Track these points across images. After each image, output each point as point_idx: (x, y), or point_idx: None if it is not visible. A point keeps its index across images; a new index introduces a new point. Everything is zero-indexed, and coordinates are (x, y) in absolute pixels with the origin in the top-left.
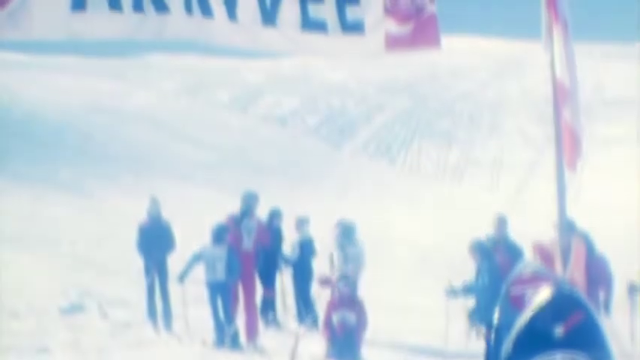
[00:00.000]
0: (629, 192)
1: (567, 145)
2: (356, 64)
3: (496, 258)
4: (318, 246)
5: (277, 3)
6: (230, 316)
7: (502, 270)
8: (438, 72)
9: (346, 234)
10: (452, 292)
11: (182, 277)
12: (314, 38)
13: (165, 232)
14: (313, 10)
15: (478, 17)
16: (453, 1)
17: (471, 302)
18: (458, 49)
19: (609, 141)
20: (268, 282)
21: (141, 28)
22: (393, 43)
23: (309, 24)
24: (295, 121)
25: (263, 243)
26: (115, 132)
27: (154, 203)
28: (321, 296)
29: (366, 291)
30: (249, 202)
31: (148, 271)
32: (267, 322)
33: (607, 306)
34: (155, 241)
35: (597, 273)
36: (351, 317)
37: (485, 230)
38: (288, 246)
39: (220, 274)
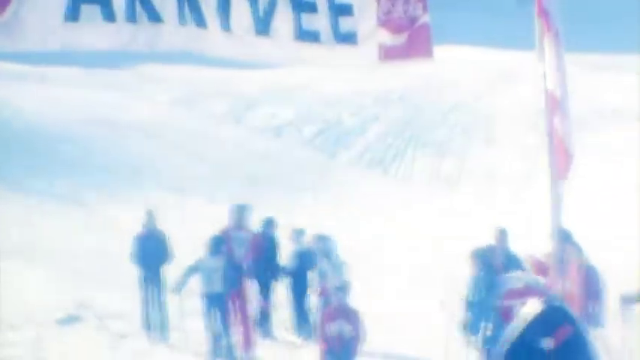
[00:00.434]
0: (622, 202)
1: (559, 156)
2: (351, 75)
3: (494, 269)
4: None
5: (271, 13)
6: (226, 328)
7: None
8: (432, 83)
9: (325, 248)
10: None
11: (178, 289)
12: (307, 48)
13: (162, 243)
14: (307, 21)
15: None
16: (446, 12)
17: (465, 314)
18: (451, 59)
19: (602, 151)
20: (265, 293)
21: (134, 38)
22: (387, 53)
23: (303, 34)
24: (290, 132)
25: (256, 255)
26: (111, 143)
27: (150, 215)
28: (317, 307)
29: (360, 301)
30: (240, 214)
31: (144, 282)
32: (263, 334)
33: (598, 317)
34: (151, 252)
35: (589, 284)
36: (348, 328)
37: (479, 240)
38: (285, 257)
39: (217, 285)
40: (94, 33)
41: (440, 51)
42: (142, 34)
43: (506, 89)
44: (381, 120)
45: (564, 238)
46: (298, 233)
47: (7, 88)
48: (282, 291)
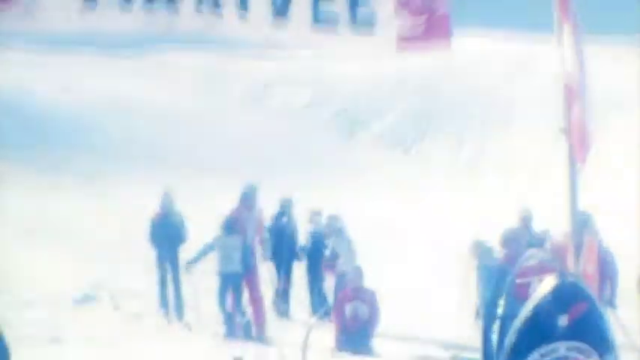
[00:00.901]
0: (638, 191)
1: (577, 140)
2: (369, 57)
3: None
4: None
5: None
6: (242, 307)
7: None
8: (451, 69)
9: (336, 228)
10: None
11: (191, 264)
12: (325, 35)
13: (178, 224)
14: (325, 6)
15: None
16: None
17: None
18: (470, 46)
19: (619, 142)
20: (283, 274)
21: (151, 23)
22: (405, 40)
23: (321, 19)
24: (308, 114)
25: (273, 235)
26: (128, 126)
27: (167, 196)
28: (331, 287)
29: (376, 282)
30: (249, 195)
31: (160, 262)
32: (279, 314)
33: (612, 300)
34: (168, 233)
35: (604, 267)
36: (364, 308)
37: (496, 223)
38: (302, 238)
39: (237, 264)
40: (111, 17)
41: (457, 38)
42: (159, 19)
43: (523, 77)
44: (400, 102)
45: (583, 221)
46: (315, 214)
47: (23, 73)
48: (299, 272)
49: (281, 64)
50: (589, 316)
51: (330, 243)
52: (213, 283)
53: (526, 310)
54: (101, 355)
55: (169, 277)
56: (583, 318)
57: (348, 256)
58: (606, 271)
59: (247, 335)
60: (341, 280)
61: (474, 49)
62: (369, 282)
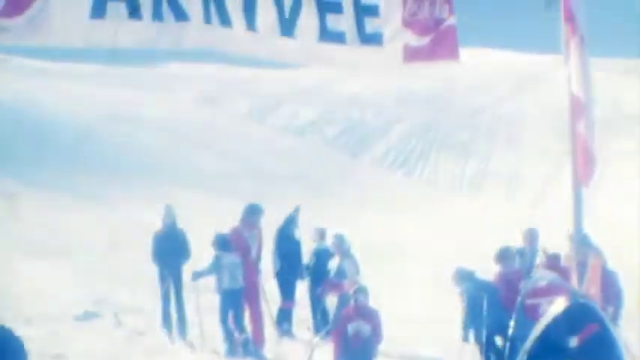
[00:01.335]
0: None
1: (581, 160)
2: (374, 76)
3: (477, 282)
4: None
5: (296, 13)
6: (242, 324)
7: None
8: (456, 85)
9: (342, 247)
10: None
11: (198, 277)
12: (332, 49)
13: (181, 240)
14: (332, 21)
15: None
16: (472, 14)
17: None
18: (476, 61)
19: (627, 156)
20: (287, 292)
21: (160, 36)
22: (412, 54)
23: (328, 35)
24: (313, 132)
25: (277, 252)
26: (132, 140)
27: (170, 212)
28: (334, 305)
29: (380, 302)
30: (253, 214)
31: (162, 279)
32: (281, 332)
33: (615, 320)
34: (170, 249)
35: (608, 287)
36: (367, 328)
37: (500, 242)
38: (306, 256)
39: (240, 281)
40: (119, 30)
41: (464, 53)
42: (168, 33)
43: (530, 92)
44: (405, 121)
45: (585, 241)
46: (319, 232)
47: (29, 84)
48: (302, 290)
49: (287, 81)
50: (600, 338)
51: (335, 262)
52: (215, 299)
53: (537, 331)
54: None
55: (172, 293)
56: (594, 339)
57: (354, 276)
58: (610, 292)
59: (246, 352)
60: (344, 299)
61: (480, 63)
62: (370, 302)
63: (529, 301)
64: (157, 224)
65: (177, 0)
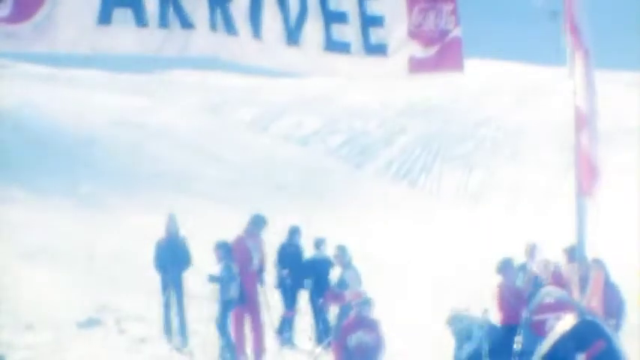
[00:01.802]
0: None
1: (584, 172)
2: (378, 86)
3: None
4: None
5: (301, 23)
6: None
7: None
8: (460, 96)
9: (344, 258)
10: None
11: (214, 281)
12: (337, 59)
13: (182, 249)
14: (337, 32)
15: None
16: (477, 25)
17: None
18: (481, 73)
19: (630, 169)
20: (289, 302)
21: (166, 43)
22: (417, 65)
23: (333, 45)
24: (316, 142)
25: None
26: (136, 147)
27: (172, 220)
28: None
29: (381, 313)
30: (258, 224)
31: (164, 287)
32: (282, 342)
33: (616, 333)
34: (172, 257)
35: (610, 300)
36: (368, 338)
37: (503, 254)
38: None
39: (235, 291)
40: (125, 37)
41: (469, 64)
42: (174, 40)
43: (534, 104)
44: (408, 132)
45: (572, 254)
46: (319, 242)
47: (33, 90)
48: (303, 300)
49: (291, 91)
50: (607, 355)
51: (337, 273)
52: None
53: (545, 347)
54: None
55: (173, 301)
56: (601, 356)
57: (356, 287)
58: (612, 304)
59: None
60: (345, 310)
61: (484, 75)
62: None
63: (536, 317)
64: (160, 231)
65: (183, 7)
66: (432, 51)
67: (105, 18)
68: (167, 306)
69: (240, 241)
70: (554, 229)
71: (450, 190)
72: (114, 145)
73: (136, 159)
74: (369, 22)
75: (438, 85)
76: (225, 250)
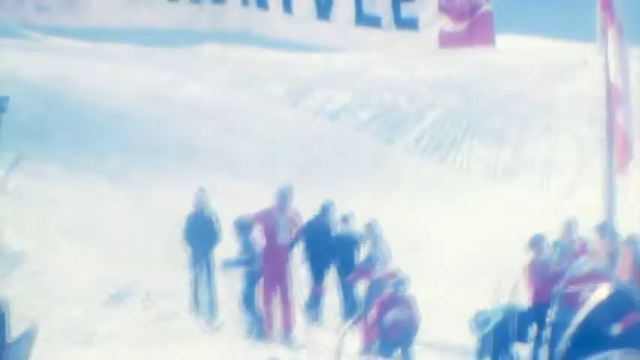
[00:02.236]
0: None
1: (619, 149)
2: (408, 61)
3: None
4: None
5: None
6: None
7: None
8: (490, 71)
9: (374, 234)
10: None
11: (228, 266)
12: (368, 33)
13: (212, 224)
14: (368, 6)
15: (533, 17)
16: (509, 1)
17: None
18: (511, 48)
19: None
20: (318, 278)
21: (196, 17)
22: (447, 40)
23: (364, 19)
24: (346, 116)
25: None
26: (166, 122)
27: (202, 195)
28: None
29: (413, 289)
30: (284, 198)
31: (194, 262)
32: (311, 318)
33: None
34: (202, 232)
35: (638, 276)
36: (403, 316)
37: (534, 230)
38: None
39: (258, 266)
40: (156, 11)
41: (500, 39)
42: (204, 13)
43: (565, 80)
44: (438, 107)
45: (603, 231)
46: (346, 217)
47: (64, 64)
48: (331, 276)
49: (321, 65)
50: None
51: (367, 249)
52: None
53: (579, 318)
54: (132, 355)
55: (202, 277)
56: (636, 326)
57: (385, 263)
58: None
59: (259, 336)
60: (375, 285)
61: (515, 50)
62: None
63: (570, 289)
64: (189, 207)
65: None
66: (463, 25)
67: None
68: (196, 281)
69: (267, 214)
70: (585, 204)
71: (480, 166)
72: (143, 120)
73: (166, 134)
74: None
75: (468, 59)
76: (241, 227)
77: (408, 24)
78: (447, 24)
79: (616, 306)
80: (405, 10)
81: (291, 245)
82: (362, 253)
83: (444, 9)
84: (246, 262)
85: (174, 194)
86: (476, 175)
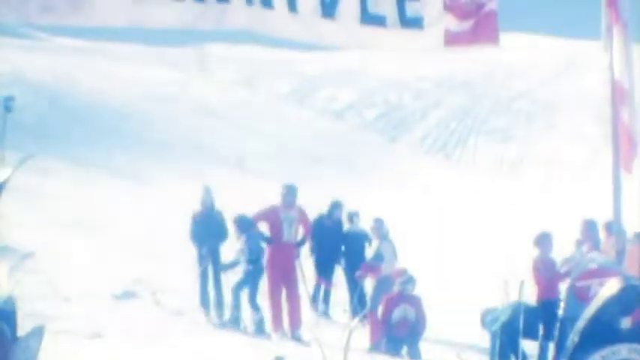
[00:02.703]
0: None
1: (624, 147)
2: (413, 59)
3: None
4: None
5: None
6: (256, 303)
7: None
8: (495, 69)
9: (381, 231)
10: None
11: (225, 269)
12: (373, 32)
13: (219, 221)
14: (373, 4)
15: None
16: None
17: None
18: (516, 46)
19: None
20: (326, 274)
21: (201, 16)
22: (452, 38)
23: (369, 18)
24: (352, 115)
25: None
26: (171, 120)
27: (208, 192)
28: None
29: (418, 286)
30: (289, 194)
31: (201, 259)
32: (318, 314)
33: None
34: (208, 229)
35: None
36: (411, 312)
37: (539, 227)
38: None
39: (260, 264)
40: (162, 10)
41: (504, 38)
42: (209, 13)
43: (570, 77)
44: (443, 105)
45: (611, 229)
46: (352, 215)
47: (69, 63)
48: (338, 273)
49: (326, 63)
50: None
51: (374, 246)
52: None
53: (589, 312)
54: (140, 351)
55: (210, 273)
56: None
57: (392, 261)
58: None
59: (260, 332)
60: (383, 283)
61: (520, 48)
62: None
63: (580, 283)
64: (195, 204)
65: None
66: (468, 24)
67: None
68: (203, 278)
69: (272, 211)
70: (590, 202)
71: (486, 164)
72: (149, 119)
73: (171, 132)
74: None
75: (473, 58)
76: (241, 225)
77: (412, 23)
78: (452, 23)
79: (626, 300)
80: (410, 9)
81: (302, 242)
82: (370, 251)
83: (448, 8)
84: (247, 262)
85: (179, 191)
86: (481, 173)
